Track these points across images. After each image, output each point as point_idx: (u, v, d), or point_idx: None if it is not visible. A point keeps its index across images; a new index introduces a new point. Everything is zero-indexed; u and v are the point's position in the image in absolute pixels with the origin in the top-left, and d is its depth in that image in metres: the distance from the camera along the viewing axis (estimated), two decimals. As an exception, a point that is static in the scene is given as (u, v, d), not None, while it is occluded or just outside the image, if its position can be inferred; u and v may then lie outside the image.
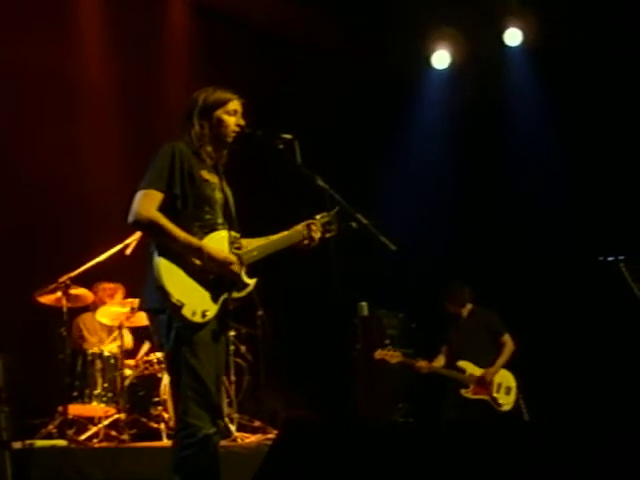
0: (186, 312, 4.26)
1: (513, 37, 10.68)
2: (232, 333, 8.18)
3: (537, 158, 10.52)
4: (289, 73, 10.29)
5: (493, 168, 10.84)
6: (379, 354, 8.38)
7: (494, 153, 10.87)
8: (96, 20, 9.38)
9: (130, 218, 4.38)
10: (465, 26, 10.66)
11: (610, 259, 6.70)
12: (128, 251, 7.03)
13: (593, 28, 9.77)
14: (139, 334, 8.25)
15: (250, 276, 4.57)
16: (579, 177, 10.01)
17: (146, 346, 8.25)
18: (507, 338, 8.68)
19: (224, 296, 4.45)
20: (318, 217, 4.83)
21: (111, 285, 8.17)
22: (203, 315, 4.32)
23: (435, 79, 11.23)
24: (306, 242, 4.79)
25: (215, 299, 4.41)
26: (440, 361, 8.78)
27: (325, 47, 10.70)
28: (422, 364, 8.49)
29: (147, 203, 4.34)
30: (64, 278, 7.24)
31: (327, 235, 4.82)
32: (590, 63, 9.91)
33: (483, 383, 8.44)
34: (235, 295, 4.51)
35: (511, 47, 10.77)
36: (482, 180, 10.85)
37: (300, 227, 4.81)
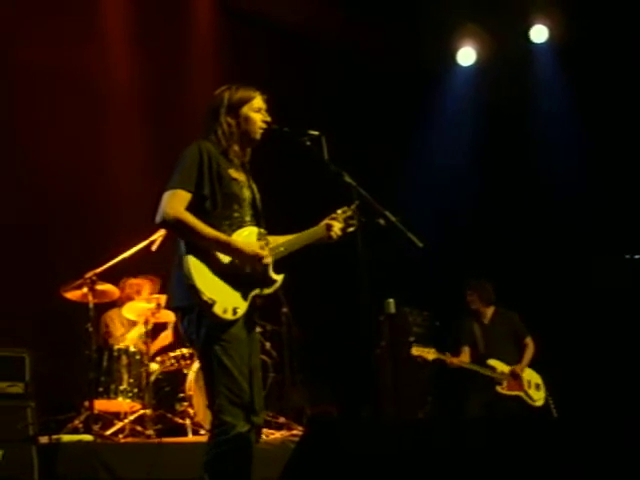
0: (217, 310, 4.26)
1: (539, 34, 10.65)
2: (257, 330, 8.18)
3: (563, 155, 10.48)
4: (314, 71, 10.29)
5: (518, 165, 10.80)
6: (416, 350, 8.43)
7: (519, 150, 10.83)
8: (121, 19, 9.41)
9: (158, 218, 4.37)
10: (491, 23, 10.63)
11: (637, 257, 6.68)
12: (154, 247, 7.05)
13: (619, 25, 9.72)
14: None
15: (277, 272, 4.58)
16: (606, 173, 9.96)
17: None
18: (529, 340, 8.83)
19: (253, 292, 4.45)
20: (339, 212, 4.85)
21: (137, 281, 8.19)
22: (234, 312, 4.33)
23: (461, 76, 11.20)
24: (330, 236, 4.81)
25: (245, 296, 4.41)
26: (465, 358, 8.80)
27: (350, 44, 10.69)
28: (453, 359, 8.56)
29: (175, 203, 4.34)
30: (90, 274, 7.26)
31: (349, 229, 4.82)
32: (616, 60, 9.86)
33: (516, 378, 8.56)
34: (264, 292, 4.52)
35: (537, 44, 10.73)
36: (507, 177, 10.81)
37: (323, 223, 4.83)
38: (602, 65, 9.96)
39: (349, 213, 4.82)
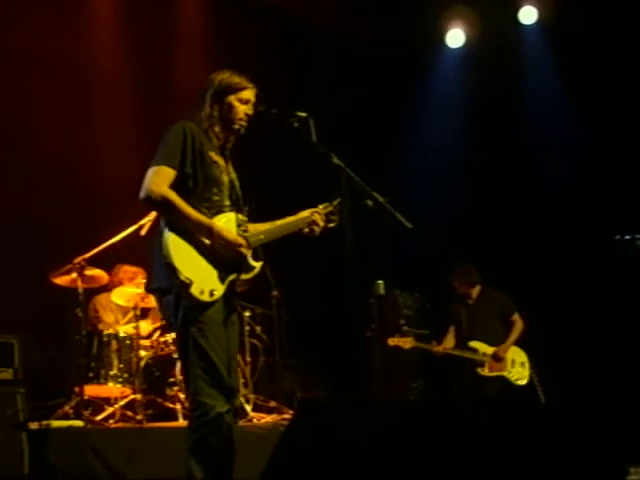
0: (194, 290, 4.27)
1: (528, 15, 10.62)
2: (247, 314, 8.20)
3: (552, 136, 10.47)
4: (302, 54, 10.25)
5: (508, 147, 10.79)
6: (392, 341, 8.49)
7: (508, 132, 10.81)
8: (108, 2, 9.36)
9: (141, 194, 4.38)
10: (480, 4, 10.58)
11: (627, 237, 6.67)
12: (143, 232, 7.02)
13: (608, 6, 9.68)
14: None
15: (257, 259, 4.60)
16: (595, 155, 9.95)
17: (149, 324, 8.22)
18: (517, 317, 8.88)
19: (231, 277, 4.46)
20: (321, 207, 4.89)
21: (133, 269, 8.18)
22: (211, 294, 4.33)
23: (449, 58, 11.17)
24: (309, 230, 4.83)
25: (222, 279, 4.42)
26: (449, 342, 8.87)
27: (338, 27, 10.65)
28: (438, 348, 8.63)
29: (159, 179, 4.35)
30: (79, 259, 7.23)
31: (329, 225, 4.87)
32: (605, 41, 9.83)
33: (498, 360, 8.60)
34: (242, 277, 4.52)
35: (526, 25, 10.70)
36: (496, 158, 10.80)
37: (304, 215, 4.86)
38: (591, 46, 9.92)
39: (330, 209, 4.86)
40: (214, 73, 4.73)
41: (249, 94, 4.69)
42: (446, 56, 11.20)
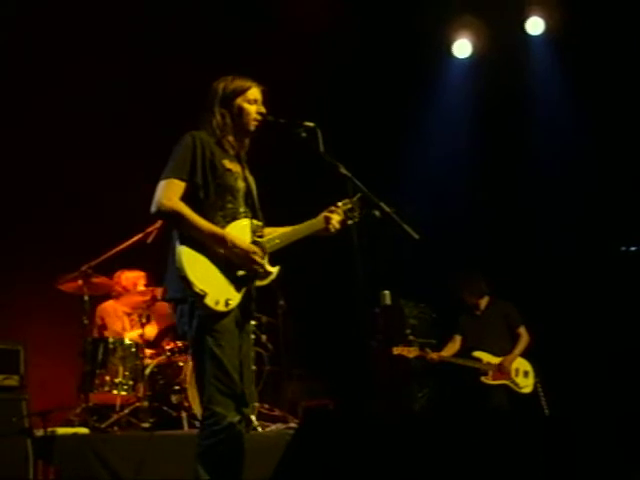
0: (209, 301, 4.27)
1: (535, 26, 10.60)
2: (253, 322, 8.17)
3: (559, 147, 10.45)
4: (309, 62, 10.25)
5: (514, 158, 10.78)
6: (397, 350, 8.49)
7: (516, 143, 10.80)
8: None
9: (153, 208, 4.38)
10: (487, 15, 10.58)
11: (632, 249, 6.68)
12: (149, 239, 7.04)
13: (615, 17, 9.69)
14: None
15: (272, 264, 4.57)
16: (602, 166, 9.94)
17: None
18: (523, 330, 8.87)
19: (247, 284, 4.45)
20: (340, 204, 4.81)
21: (133, 273, 8.21)
22: (226, 304, 4.33)
23: (456, 68, 11.17)
24: (328, 229, 4.78)
25: (238, 288, 4.40)
26: (449, 350, 8.85)
27: (346, 36, 10.65)
28: (432, 355, 8.62)
29: (170, 192, 4.35)
30: (85, 266, 7.26)
31: (349, 222, 4.79)
32: (612, 52, 9.83)
33: (502, 369, 8.59)
34: (258, 283, 4.51)
35: (533, 36, 10.70)
36: (503, 170, 10.78)
37: (323, 214, 4.81)
38: (599, 57, 9.92)
39: (350, 205, 4.79)
40: (215, 82, 4.74)
41: (255, 93, 4.69)
42: (453, 66, 11.20)
